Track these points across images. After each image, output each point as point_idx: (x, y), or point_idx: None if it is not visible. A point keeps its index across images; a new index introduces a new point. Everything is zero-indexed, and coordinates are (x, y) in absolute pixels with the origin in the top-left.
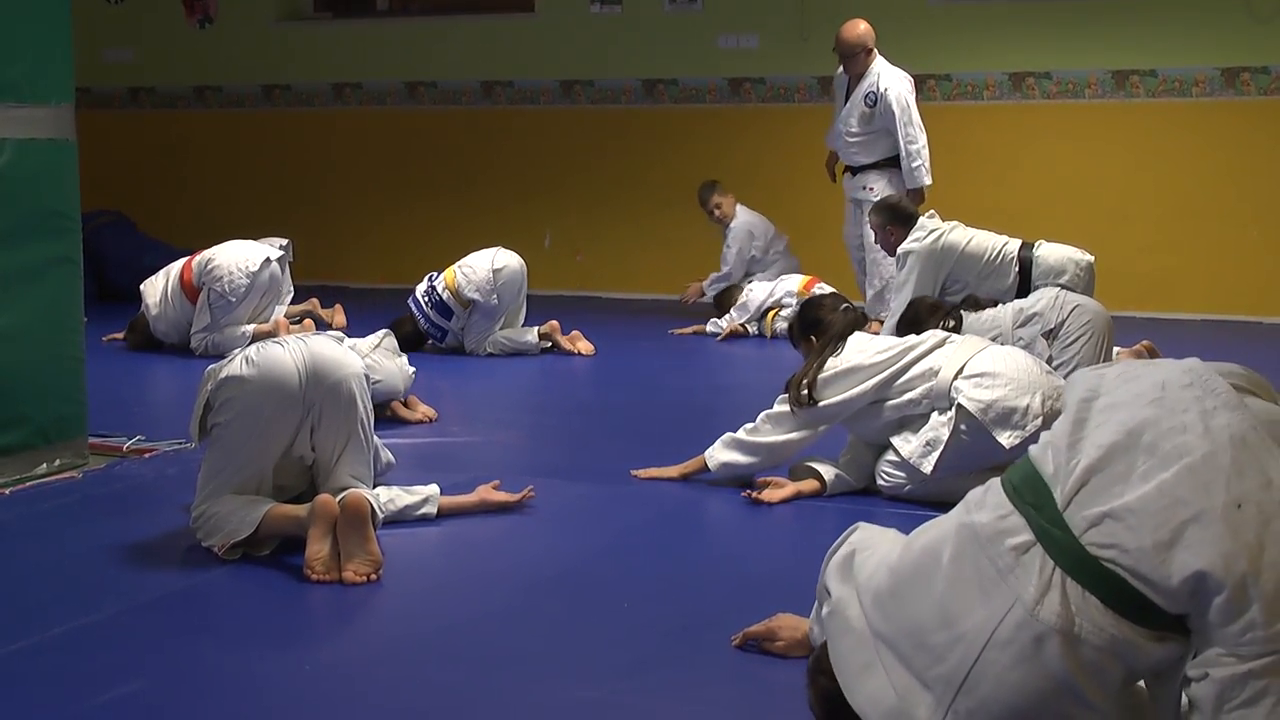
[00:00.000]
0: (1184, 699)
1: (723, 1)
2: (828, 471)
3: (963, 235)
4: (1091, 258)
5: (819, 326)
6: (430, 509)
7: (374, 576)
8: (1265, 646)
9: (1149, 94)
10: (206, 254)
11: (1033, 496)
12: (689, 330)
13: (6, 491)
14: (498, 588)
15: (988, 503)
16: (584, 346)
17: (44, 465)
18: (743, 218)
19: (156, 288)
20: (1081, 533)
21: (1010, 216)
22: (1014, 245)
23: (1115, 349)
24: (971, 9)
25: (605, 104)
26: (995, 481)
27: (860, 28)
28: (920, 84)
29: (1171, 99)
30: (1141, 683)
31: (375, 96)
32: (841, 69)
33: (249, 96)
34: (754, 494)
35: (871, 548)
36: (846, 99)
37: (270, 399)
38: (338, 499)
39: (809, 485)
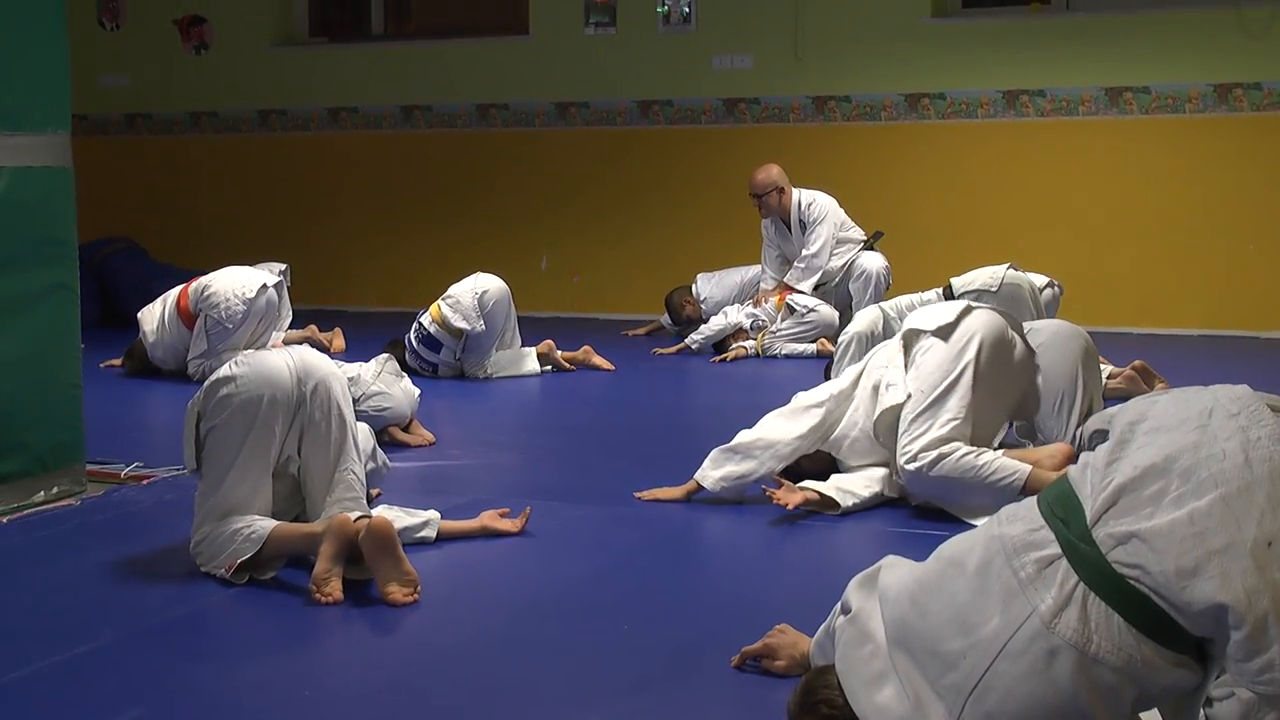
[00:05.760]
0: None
1: (716, 22)
2: (828, 488)
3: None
4: (1007, 263)
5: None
6: (429, 532)
7: (416, 596)
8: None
9: (1143, 110)
10: (203, 280)
11: (1063, 512)
12: (673, 350)
13: (4, 520)
14: (497, 610)
15: (1020, 516)
16: (600, 361)
17: (42, 493)
18: (713, 297)
19: (154, 315)
20: (1108, 550)
21: (1004, 234)
22: (930, 293)
23: (1108, 368)
24: (965, 27)
25: (600, 125)
26: (1031, 499)
27: (774, 171)
28: (915, 102)
29: (1165, 115)
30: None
31: (371, 120)
32: (768, 219)
33: (245, 121)
34: (771, 491)
35: (900, 565)
36: (792, 234)
37: (265, 388)
38: (355, 519)
39: (822, 498)
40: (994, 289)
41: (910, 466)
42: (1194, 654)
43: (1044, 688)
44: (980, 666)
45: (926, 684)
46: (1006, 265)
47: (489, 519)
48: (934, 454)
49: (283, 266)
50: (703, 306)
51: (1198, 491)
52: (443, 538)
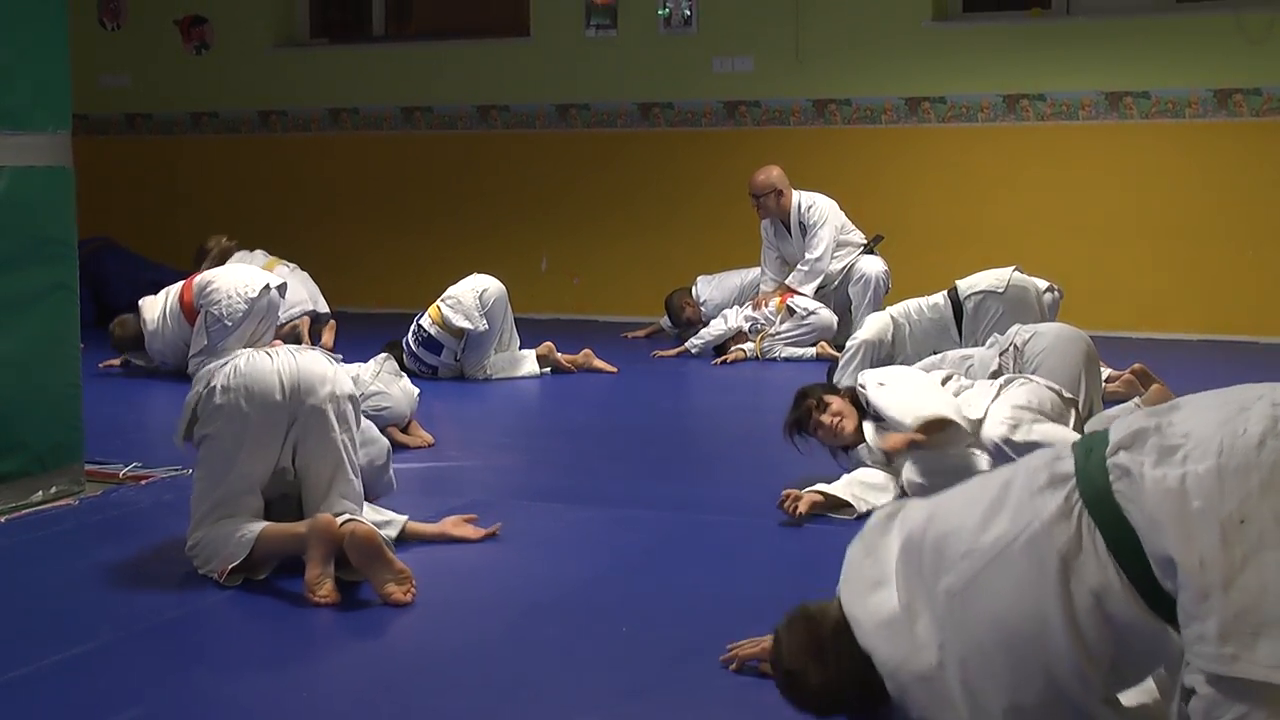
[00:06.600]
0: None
1: (717, 24)
2: (842, 491)
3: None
4: (1012, 266)
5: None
6: (391, 532)
7: (413, 590)
8: (1210, 665)
9: (1142, 115)
10: (207, 275)
11: (1090, 444)
12: (673, 352)
13: (3, 519)
14: (497, 613)
15: (1056, 449)
16: (601, 364)
17: (40, 492)
18: (712, 299)
19: (156, 305)
20: (1114, 480)
21: (1004, 238)
22: (938, 295)
23: (1108, 371)
24: (966, 31)
25: (601, 127)
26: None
27: (774, 173)
28: (915, 106)
29: (1165, 120)
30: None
31: (371, 121)
32: (767, 220)
33: (245, 122)
34: (787, 492)
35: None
36: (791, 236)
37: (254, 407)
38: (341, 524)
39: (828, 499)
40: (1000, 290)
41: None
42: (1169, 614)
43: (1028, 599)
44: (975, 568)
45: (922, 591)
46: (1012, 267)
47: (451, 525)
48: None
49: (281, 282)
50: (702, 308)
51: (1203, 457)
52: (405, 539)
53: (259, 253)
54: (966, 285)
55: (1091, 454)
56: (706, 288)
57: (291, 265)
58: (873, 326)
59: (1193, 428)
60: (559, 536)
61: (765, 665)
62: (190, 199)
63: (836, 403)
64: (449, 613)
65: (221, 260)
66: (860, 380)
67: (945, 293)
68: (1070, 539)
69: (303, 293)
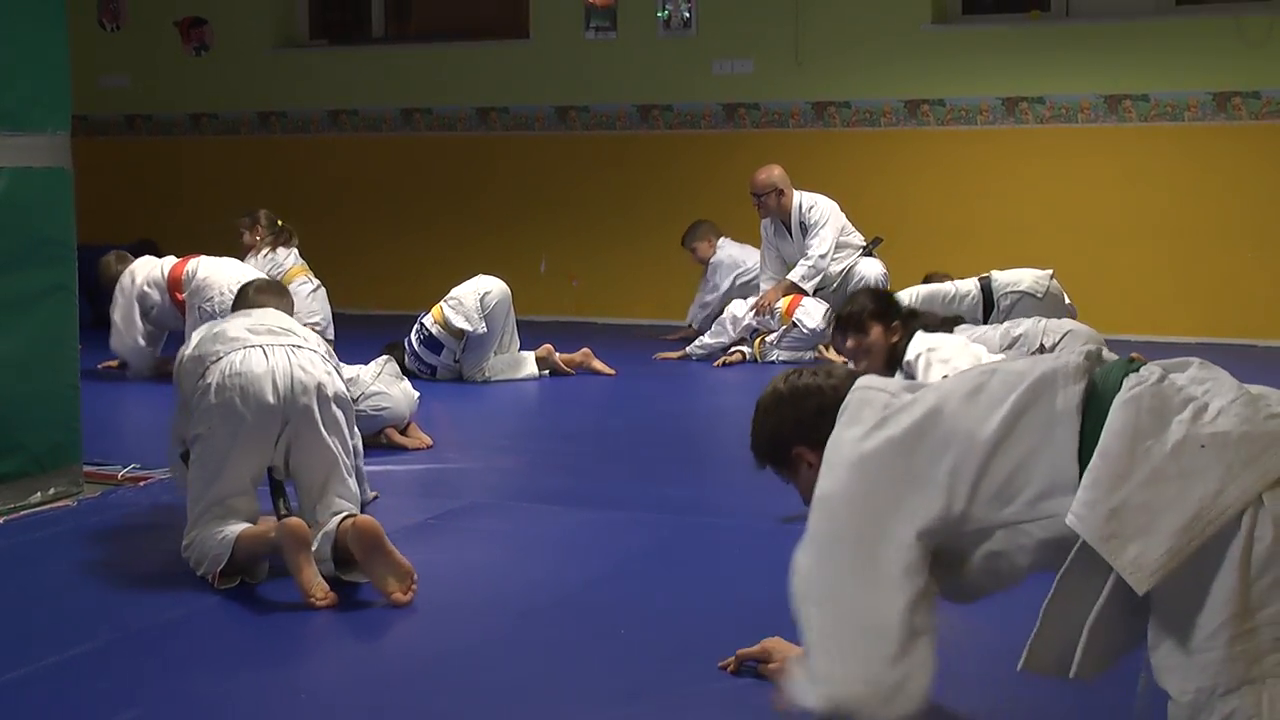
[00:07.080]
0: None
1: (717, 27)
2: None
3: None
4: (1050, 270)
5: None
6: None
7: (414, 590)
8: (1083, 528)
9: (1141, 118)
10: (198, 264)
11: (1140, 365)
12: (675, 355)
13: (1, 520)
14: (495, 614)
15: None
16: (600, 366)
17: (38, 494)
18: (727, 250)
19: (147, 265)
20: (1136, 372)
21: (1003, 241)
22: (969, 282)
23: None
24: (965, 34)
25: (600, 129)
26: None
27: (775, 172)
28: (914, 109)
29: (1164, 123)
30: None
31: (371, 123)
32: (767, 220)
33: (245, 123)
34: None
35: None
36: (792, 236)
37: (248, 408)
38: (338, 523)
39: None
40: (1039, 294)
41: None
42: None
43: (1005, 386)
44: (987, 367)
45: (937, 388)
46: (1049, 271)
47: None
48: None
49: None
50: (717, 251)
51: (1219, 396)
52: None
53: (293, 253)
54: (1005, 281)
55: (1133, 362)
56: (729, 243)
57: (316, 282)
58: None
59: (1232, 380)
60: (557, 539)
61: (763, 667)
62: (190, 200)
63: (873, 334)
64: (447, 614)
65: (263, 240)
66: (918, 350)
67: (976, 282)
68: (1068, 373)
69: (317, 314)
